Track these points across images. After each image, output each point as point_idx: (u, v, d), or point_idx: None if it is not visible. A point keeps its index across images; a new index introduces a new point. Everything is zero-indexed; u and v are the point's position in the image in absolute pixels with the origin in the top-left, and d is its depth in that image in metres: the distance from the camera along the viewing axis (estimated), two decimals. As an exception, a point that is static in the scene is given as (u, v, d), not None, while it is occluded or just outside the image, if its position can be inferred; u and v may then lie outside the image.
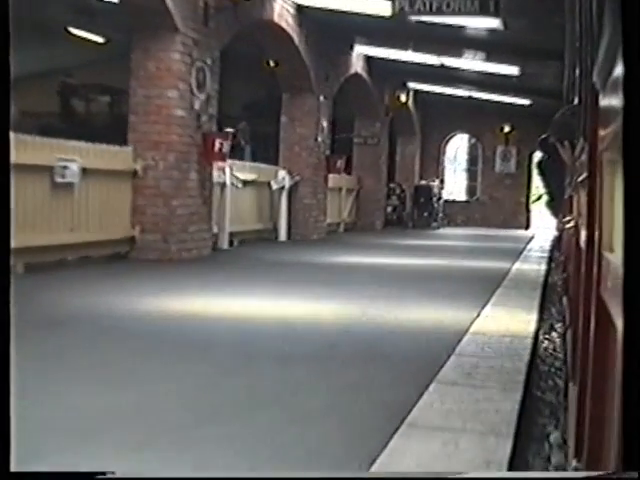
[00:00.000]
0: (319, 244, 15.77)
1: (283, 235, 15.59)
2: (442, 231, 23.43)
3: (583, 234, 2.92)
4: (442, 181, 27.69)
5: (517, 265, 12.49)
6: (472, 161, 28.09)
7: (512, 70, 18.61)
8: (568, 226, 6.16)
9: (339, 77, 17.92)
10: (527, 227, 27.19)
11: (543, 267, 12.50)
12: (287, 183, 15.60)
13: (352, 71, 18.82)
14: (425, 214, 24.21)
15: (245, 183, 14.68)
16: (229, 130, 12.64)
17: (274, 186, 15.28)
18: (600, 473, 1.43)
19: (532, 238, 21.20)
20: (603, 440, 1.60)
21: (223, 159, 11.77)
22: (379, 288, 8.70)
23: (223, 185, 13.11)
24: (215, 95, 12.06)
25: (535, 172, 18.84)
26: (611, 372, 1.48)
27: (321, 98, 16.79)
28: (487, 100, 24.82)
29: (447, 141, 27.92)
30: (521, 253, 15.31)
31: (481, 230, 24.77)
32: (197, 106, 11.47)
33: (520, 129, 27.15)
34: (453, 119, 27.31)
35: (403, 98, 22.31)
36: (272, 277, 9.70)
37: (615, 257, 1.41)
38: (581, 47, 4.35)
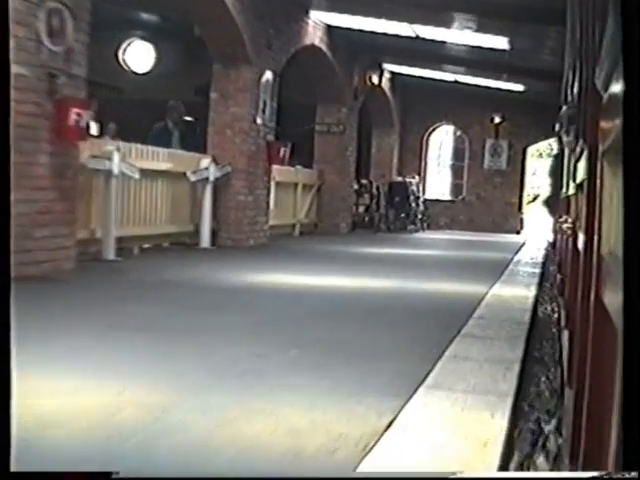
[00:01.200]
0: (251, 253, 12.36)
1: (206, 241, 12.19)
2: (420, 235, 20.03)
3: (581, 236, 2.96)
4: (422, 178, 24.29)
5: (497, 288, 9.23)
6: (458, 156, 24.69)
7: (502, 43, 15.22)
8: (565, 226, 5.89)
9: (288, 47, 14.51)
10: (519, 231, 23.80)
11: (532, 291, 9.18)
12: (212, 174, 12.20)
13: (307, 42, 15.41)
14: (402, 215, 20.81)
15: (155, 173, 11.34)
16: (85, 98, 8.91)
17: (192, 178, 11.88)
18: (600, 473, 1.38)
19: (523, 245, 17.82)
20: (602, 445, 1.57)
21: (81, 136, 8.36)
22: (283, 343, 5.28)
23: (109, 174, 9.74)
24: (83, 51, 8.66)
25: (549, 164, 15.63)
26: (611, 375, 1.46)
27: (268, 73, 13.40)
28: (475, 86, 21.45)
29: (430, 133, 24.52)
30: (507, 267, 11.98)
31: (465, 235, 21.36)
32: (47, 61, 8.07)
33: (512, 120, 23.76)
34: (437, 108, 23.92)
35: (375, 79, 18.94)
36: (106, 321, 6.11)
37: (615, 260, 1.43)
38: (581, 50, 4.06)
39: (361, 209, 21.53)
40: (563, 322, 5.33)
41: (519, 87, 20.84)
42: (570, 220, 4.83)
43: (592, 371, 1.93)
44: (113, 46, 18.84)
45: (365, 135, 23.55)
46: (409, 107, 23.99)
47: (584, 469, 1.98)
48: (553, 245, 15.39)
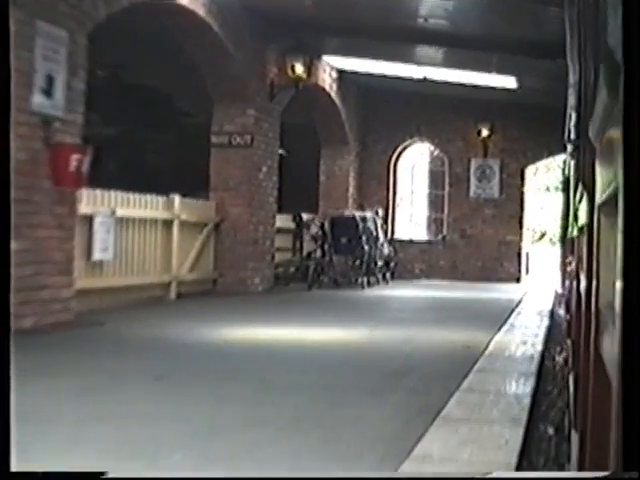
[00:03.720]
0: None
1: None
2: (378, 292, 13.78)
3: (583, 281, 2.96)
4: (390, 212, 18.10)
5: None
6: (436, 182, 18.52)
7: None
8: (569, 269, 5.75)
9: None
10: (519, 279, 17.52)
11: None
12: None
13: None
14: (356, 263, 14.58)
15: None
16: None
17: None
18: (600, 473, 1.39)
19: (519, 303, 11.64)
20: (605, 444, 1.50)
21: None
22: None
23: None
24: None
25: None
26: (610, 427, 1.36)
27: (53, 29, 7.38)
28: (455, 85, 15.39)
29: (399, 154, 18.37)
30: (482, 355, 5.89)
31: (446, 288, 15.11)
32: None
33: (504, 131, 17.63)
34: (407, 120, 17.84)
35: (300, 69, 12.86)
36: None
37: (611, 313, 1.38)
38: (580, 96, 3.99)
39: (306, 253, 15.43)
40: (570, 364, 5.33)
41: (511, 82, 14.77)
42: (574, 262, 4.88)
43: (593, 417, 1.91)
44: None
45: (312, 157, 17.51)
46: (370, 120, 17.91)
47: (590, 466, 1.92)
48: (567, 304, 9.53)
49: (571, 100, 6.50)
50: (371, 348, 6.81)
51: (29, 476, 1.65)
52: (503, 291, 14.75)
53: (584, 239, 2.89)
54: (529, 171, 18.20)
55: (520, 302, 12.07)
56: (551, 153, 17.39)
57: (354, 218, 14.40)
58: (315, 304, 11.21)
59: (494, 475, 2.61)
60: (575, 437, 2.90)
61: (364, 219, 14.93)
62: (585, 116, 3.27)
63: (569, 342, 6.32)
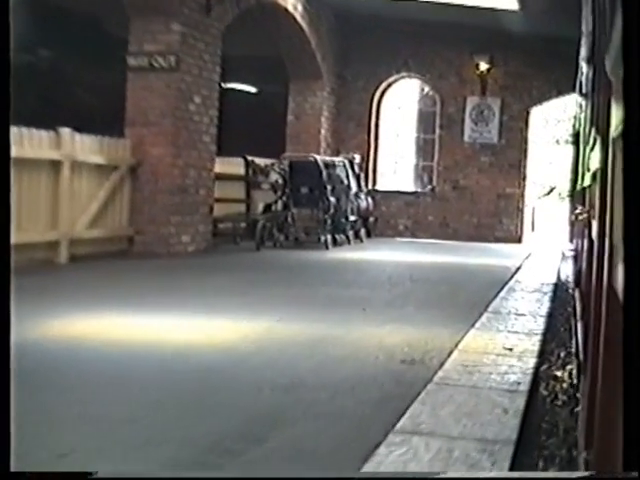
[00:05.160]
0: None
1: None
2: (342, 255, 11.04)
3: (595, 225, 2.92)
4: (372, 158, 15.29)
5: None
6: (425, 125, 15.65)
7: None
8: (580, 218, 5.63)
9: None
10: (520, 239, 14.74)
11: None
12: None
13: None
14: (319, 216, 11.78)
15: None
16: None
17: None
18: (600, 473, 1.39)
19: (515, 272, 8.92)
20: (614, 436, 1.51)
21: None
22: None
23: None
24: None
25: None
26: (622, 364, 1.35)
27: None
28: (444, 5, 12.50)
29: (383, 92, 15.47)
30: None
31: (426, 251, 12.34)
32: None
33: (506, 65, 14.72)
34: (393, 51, 14.94)
35: (243, -25, 10.00)
36: None
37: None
38: (594, 34, 3.67)
39: (260, 206, 12.71)
40: (578, 314, 5.08)
41: (512, 1, 11.84)
42: (585, 210, 4.81)
43: (605, 360, 1.85)
44: None
45: (284, 96, 14.71)
46: (349, 51, 15.01)
47: (598, 460, 1.85)
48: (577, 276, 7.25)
49: (583, 51, 5.75)
50: (250, 362, 4.09)
51: (29, 476, 1.54)
52: (500, 254, 11.98)
53: (596, 185, 2.79)
54: (535, 113, 15.25)
55: (518, 270, 9.33)
56: (560, 92, 14.47)
57: (316, 163, 11.57)
58: (244, 272, 8.48)
59: (494, 475, 2.47)
60: (585, 383, 2.84)
61: (330, 165, 12.13)
62: (600, 52, 2.98)
63: (577, 293, 6.10)
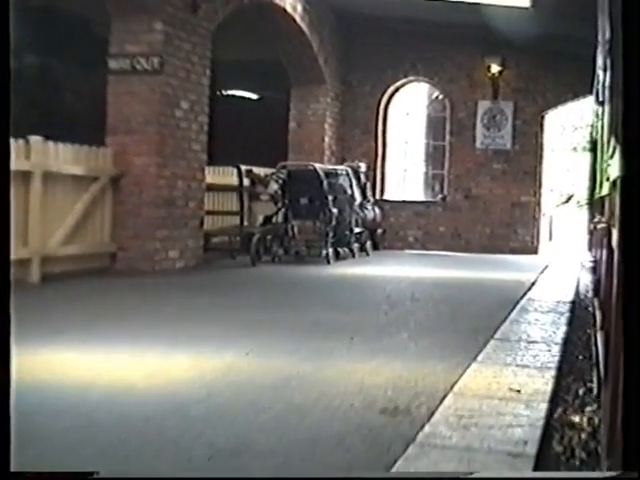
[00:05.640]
0: None
1: None
2: (343, 270, 10.26)
3: (615, 234, 2.84)
4: (379, 166, 14.54)
5: None
6: (435, 131, 14.88)
7: None
8: (599, 227, 5.79)
9: None
10: (536, 250, 13.91)
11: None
12: None
13: None
14: (321, 228, 11.00)
15: None
16: None
17: None
18: (600, 473, 1.33)
19: (530, 288, 8.13)
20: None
21: None
22: None
23: None
24: None
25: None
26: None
27: None
28: (453, 2, 11.77)
29: (390, 96, 14.71)
30: None
31: (438, 262, 11.57)
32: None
33: (519, 67, 13.95)
34: (399, 54, 14.18)
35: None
36: None
37: None
38: (611, 43, 3.55)
39: (260, 219, 12.01)
40: (599, 323, 4.98)
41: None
42: (604, 220, 4.79)
43: (625, 371, 1.79)
44: None
45: (285, 102, 14.00)
46: (353, 54, 14.28)
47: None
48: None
49: (599, 60, 5.60)
50: (191, 414, 3.31)
51: (29, 476, 1.59)
52: (514, 267, 11.16)
53: (616, 193, 2.71)
54: (550, 117, 14.43)
55: (532, 286, 8.51)
56: (576, 95, 13.66)
57: (315, 171, 10.80)
58: (230, 292, 7.72)
59: (493, 475, 2.44)
60: (606, 394, 2.82)
61: (332, 174, 11.36)
62: (617, 60, 2.86)
63: (596, 302, 6.08)
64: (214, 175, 10.57)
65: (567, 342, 5.21)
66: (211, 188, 10.19)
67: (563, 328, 5.53)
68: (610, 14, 3.37)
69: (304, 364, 4.20)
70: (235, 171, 10.48)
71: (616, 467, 1.86)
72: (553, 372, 4.12)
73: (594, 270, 8.37)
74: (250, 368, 4.14)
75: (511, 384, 3.82)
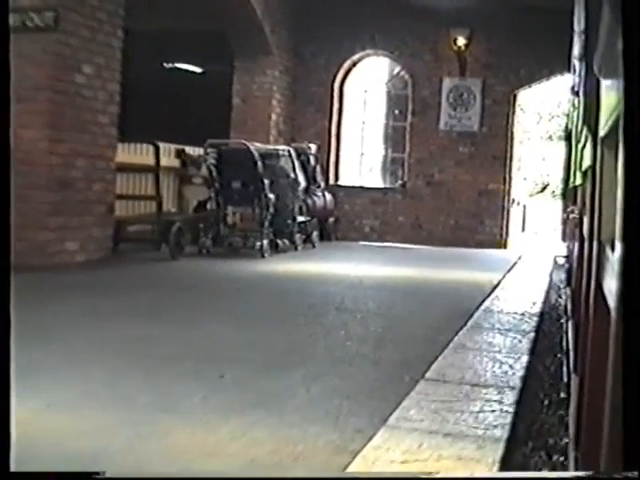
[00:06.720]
0: None
1: None
2: (280, 266, 8.84)
3: (585, 223, 2.94)
4: (334, 148, 13.11)
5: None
6: (395, 110, 13.44)
7: None
8: (572, 217, 5.56)
9: None
10: (505, 244, 12.55)
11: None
12: None
13: None
14: (257, 215, 9.54)
15: None
16: None
17: None
18: (600, 473, 1.33)
19: (492, 292, 6.75)
20: (601, 434, 1.44)
21: None
22: None
23: None
24: None
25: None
26: (609, 365, 1.36)
27: None
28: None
29: (347, 71, 13.25)
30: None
31: (392, 257, 10.19)
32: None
33: (489, 40, 12.55)
34: (357, 25, 12.73)
35: None
36: None
37: (613, 247, 1.35)
38: (586, 33, 3.23)
39: (194, 202, 10.62)
40: (569, 312, 5.05)
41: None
42: (577, 209, 4.75)
43: (592, 360, 1.85)
44: None
45: (226, 74, 12.53)
46: (306, 23, 12.79)
47: (584, 460, 1.89)
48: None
49: (576, 50, 4.91)
50: None
51: (29, 476, 1.48)
52: (477, 264, 9.81)
53: (588, 183, 2.80)
54: (523, 97, 13.06)
55: (495, 289, 7.14)
56: (552, 72, 12.27)
57: (249, 151, 9.32)
58: (119, 296, 6.24)
59: (493, 475, 2.41)
60: (575, 380, 2.81)
61: (271, 155, 9.90)
62: (590, 51, 2.77)
63: (568, 291, 5.95)
64: (131, 154, 9.09)
65: (528, 379, 3.82)
66: (126, 169, 8.70)
67: (524, 358, 4.13)
68: (586, 4, 3.10)
69: (123, 429, 2.76)
70: (151, 149, 8.96)
71: (582, 457, 1.90)
72: (502, 445, 2.72)
73: (567, 259, 7.90)
74: (39, 433, 2.69)
75: (431, 473, 2.41)
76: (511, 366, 3.92)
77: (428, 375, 3.60)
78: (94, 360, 3.82)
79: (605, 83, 1.68)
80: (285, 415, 2.98)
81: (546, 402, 3.69)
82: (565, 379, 3.84)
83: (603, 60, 1.60)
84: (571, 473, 2.40)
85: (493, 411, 3.10)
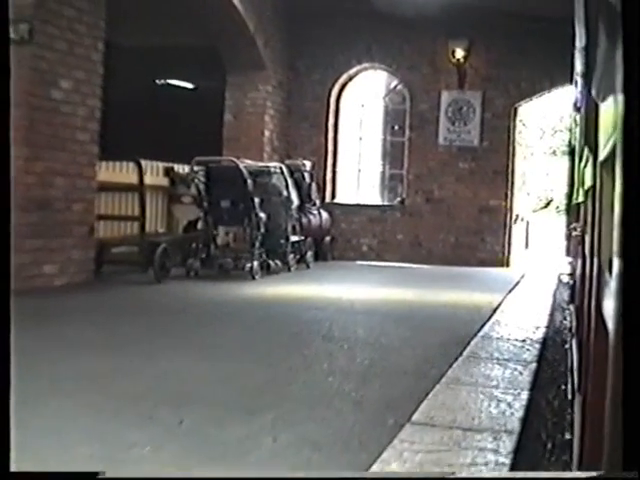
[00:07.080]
0: None
1: None
2: (271, 289, 8.44)
3: (587, 242, 2.92)
4: (330, 165, 12.75)
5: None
6: (393, 125, 13.08)
7: None
8: (574, 234, 5.65)
9: None
10: (507, 262, 12.14)
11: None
12: None
13: None
14: (248, 235, 9.16)
15: None
16: None
17: None
18: (600, 473, 1.32)
19: (489, 318, 6.33)
20: (602, 451, 1.43)
21: None
22: None
23: None
24: None
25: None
26: (608, 385, 1.32)
27: None
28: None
29: (343, 86, 12.91)
30: None
31: (389, 277, 9.79)
32: None
33: (488, 51, 12.19)
34: (353, 38, 12.38)
35: None
36: None
37: (612, 267, 1.31)
38: (587, 51, 3.23)
39: (184, 222, 10.24)
40: (573, 329, 4.92)
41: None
42: (579, 227, 4.73)
43: (594, 378, 1.86)
44: None
45: (218, 90, 12.19)
46: (300, 37, 12.45)
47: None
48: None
49: (578, 66, 4.52)
50: None
51: (29, 476, 1.52)
52: (477, 285, 9.40)
53: (589, 202, 2.80)
54: (525, 110, 12.69)
55: (494, 313, 6.73)
56: (554, 84, 11.91)
57: (238, 169, 8.95)
58: (85, 323, 5.85)
59: (487, 475, 2.45)
60: (579, 400, 2.77)
61: (262, 172, 9.53)
62: (590, 72, 2.86)
63: (572, 308, 5.82)
64: (115, 172, 8.72)
65: (529, 418, 3.41)
66: (108, 188, 8.33)
67: (524, 395, 3.72)
68: (586, 22, 3.10)
69: None
70: (134, 167, 8.58)
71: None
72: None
73: (571, 276, 7.66)
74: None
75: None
76: (509, 404, 3.51)
77: (415, 418, 3.19)
78: (43, 400, 3.43)
79: (603, 107, 1.68)
80: (246, 470, 2.57)
81: (549, 445, 3.28)
82: (569, 397, 3.77)
83: (601, 85, 1.60)
84: (572, 473, 2.41)
85: (487, 463, 2.69)
